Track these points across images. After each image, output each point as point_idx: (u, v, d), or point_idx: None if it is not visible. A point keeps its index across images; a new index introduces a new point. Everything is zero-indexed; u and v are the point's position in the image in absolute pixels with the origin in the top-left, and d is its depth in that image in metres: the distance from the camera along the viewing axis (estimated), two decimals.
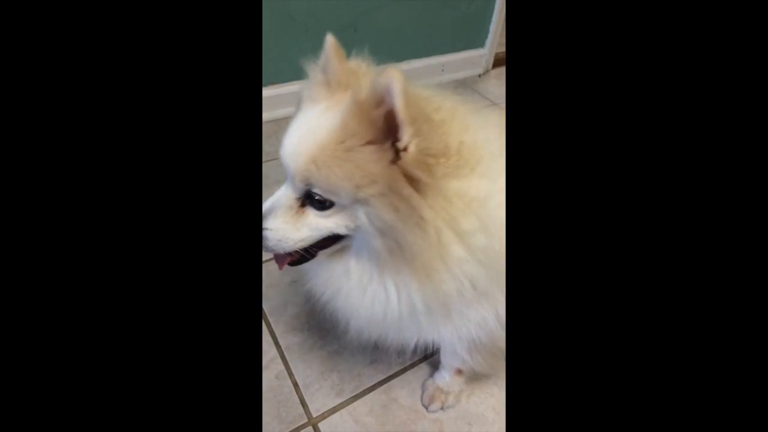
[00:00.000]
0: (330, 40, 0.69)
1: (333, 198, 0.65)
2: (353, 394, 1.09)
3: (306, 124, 0.66)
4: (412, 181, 0.61)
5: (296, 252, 0.73)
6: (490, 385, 1.14)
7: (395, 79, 0.55)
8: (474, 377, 1.11)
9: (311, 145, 0.63)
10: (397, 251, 0.65)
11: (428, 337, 0.88)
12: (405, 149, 0.60)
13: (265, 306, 1.25)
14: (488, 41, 2.34)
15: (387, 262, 0.67)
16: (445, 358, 1.06)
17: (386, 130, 0.60)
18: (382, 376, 1.14)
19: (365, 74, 0.71)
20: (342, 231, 0.69)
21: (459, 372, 1.07)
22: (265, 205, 0.71)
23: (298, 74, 0.75)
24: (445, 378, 1.08)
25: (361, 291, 0.75)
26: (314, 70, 0.72)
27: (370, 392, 1.10)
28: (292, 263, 0.77)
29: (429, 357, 1.18)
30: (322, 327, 1.22)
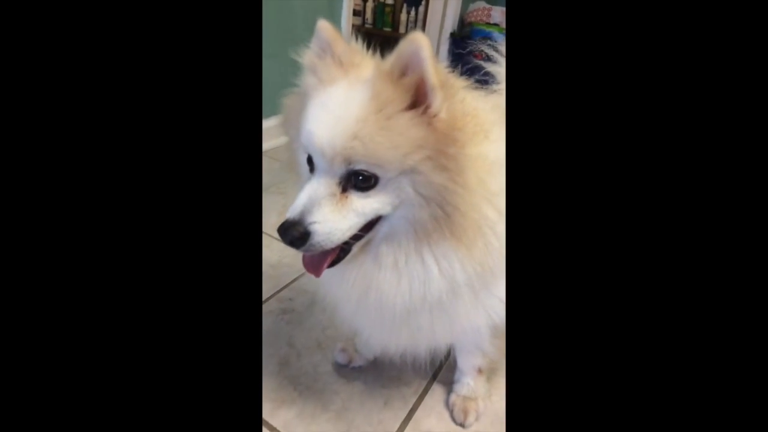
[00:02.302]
0: (325, 24, 0.65)
1: (379, 172, 0.60)
2: None
3: (334, 104, 0.61)
4: (453, 141, 0.60)
5: (337, 247, 0.65)
6: (501, 379, 1.10)
7: (423, 45, 0.55)
8: (490, 373, 1.06)
9: (349, 122, 0.58)
10: (442, 218, 0.62)
11: (456, 330, 0.83)
12: (438, 113, 0.59)
13: None
14: None
15: (429, 233, 0.64)
16: (464, 360, 0.99)
17: (418, 95, 0.59)
18: (403, 414, 0.99)
19: (364, 54, 0.68)
20: (386, 210, 0.63)
21: (480, 371, 1.00)
22: (300, 201, 0.61)
23: None
24: (468, 384, 1.00)
25: (396, 277, 0.68)
26: (309, 57, 0.67)
27: None
28: (332, 263, 0.66)
29: (436, 376, 1.08)
30: (315, 388, 1.01)
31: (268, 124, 1.96)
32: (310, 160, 0.64)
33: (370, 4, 3.96)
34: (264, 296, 1.26)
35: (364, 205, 0.62)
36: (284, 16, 2.08)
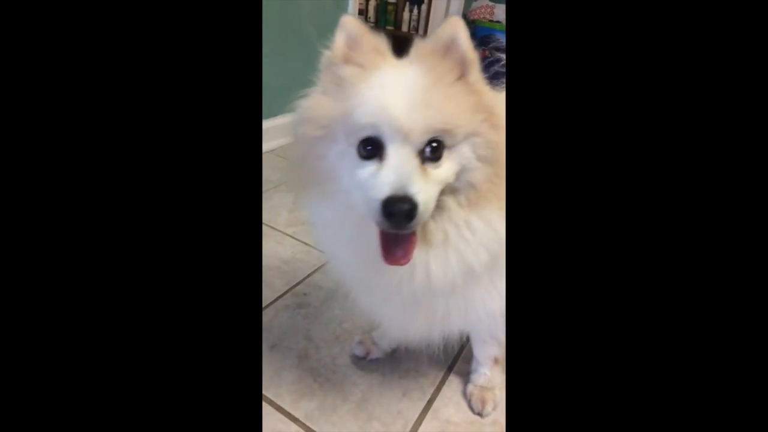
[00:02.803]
0: (350, 18, 0.70)
1: (447, 140, 0.64)
2: None
3: (399, 82, 0.65)
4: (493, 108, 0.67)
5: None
6: None
7: (460, 27, 0.65)
8: (503, 367, 1.07)
9: (421, 94, 0.63)
10: (495, 178, 0.68)
11: (470, 316, 0.84)
12: (477, 84, 0.66)
13: None
14: None
15: (480, 198, 0.69)
16: (481, 350, 1.01)
17: (462, 70, 0.67)
18: (422, 404, 1.00)
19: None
20: (452, 178, 0.66)
21: (496, 361, 1.02)
22: (396, 175, 0.61)
23: None
24: (485, 374, 1.02)
25: (444, 253, 0.70)
26: (339, 49, 0.69)
27: (419, 425, 0.96)
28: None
29: (452, 368, 1.10)
30: (334, 380, 1.03)
31: (275, 122, 1.97)
32: (367, 143, 0.64)
33: (372, 3, 3.97)
34: (280, 292, 1.28)
35: (438, 174, 0.64)
36: (290, 15, 2.09)
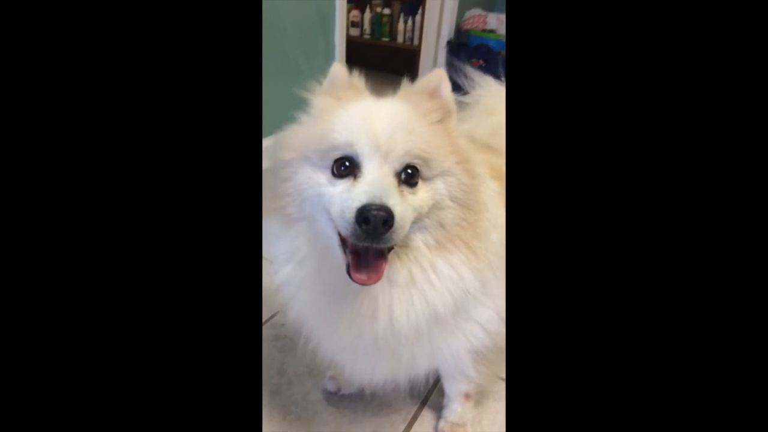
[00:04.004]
0: (340, 67, 0.76)
1: (424, 170, 0.67)
2: None
3: (382, 109, 0.69)
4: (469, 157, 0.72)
5: (389, 250, 0.66)
6: (491, 402, 1.10)
7: (444, 78, 0.73)
8: (478, 400, 1.06)
9: (404, 120, 0.66)
10: (464, 222, 0.69)
11: (436, 358, 0.85)
12: (454, 133, 0.72)
13: None
14: None
15: (449, 239, 0.69)
16: (451, 386, 1.00)
17: (442, 114, 0.71)
18: None
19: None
20: (424, 210, 0.67)
21: (467, 396, 1.01)
22: (374, 185, 0.61)
23: None
24: (456, 410, 1.01)
25: (408, 296, 0.70)
26: (325, 86, 0.76)
27: None
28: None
29: (426, 401, 1.09)
30: (304, 418, 1.03)
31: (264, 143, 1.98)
32: (342, 161, 0.65)
33: (367, 15, 3.98)
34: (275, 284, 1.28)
35: (413, 200, 0.65)
36: (276, 38, 2.11)
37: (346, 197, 0.61)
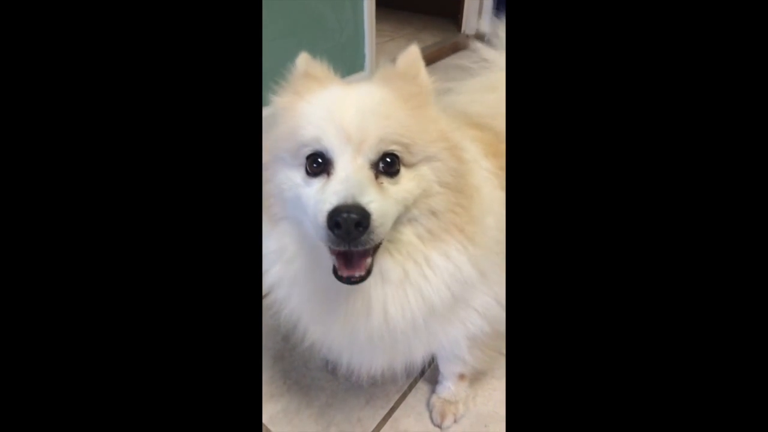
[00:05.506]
0: (303, 57, 0.74)
1: (407, 156, 0.63)
2: None
3: (344, 96, 0.65)
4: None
5: (373, 247, 0.61)
6: (489, 380, 1.10)
7: (418, 57, 0.70)
8: (474, 378, 1.06)
9: (377, 104, 0.63)
10: (457, 207, 0.66)
11: (433, 345, 0.84)
12: (438, 117, 0.69)
13: None
14: (366, 64, 2.42)
15: (443, 228, 0.66)
16: (445, 366, 1.01)
17: (423, 99, 0.68)
18: (383, 412, 1.03)
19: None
20: (410, 200, 0.63)
21: (462, 377, 1.01)
22: (345, 184, 0.57)
23: None
24: (449, 388, 1.02)
25: (402, 293, 0.67)
26: (291, 81, 0.73)
27: None
28: (363, 277, 0.61)
29: (423, 374, 1.11)
30: (303, 383, 1.08)
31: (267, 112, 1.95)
32: (314, 158, 0.62)
33: None
34: (264, 291, 1.33)
35: (396, 192, 0.61)
36: None
37: (319, 198, 0.58)
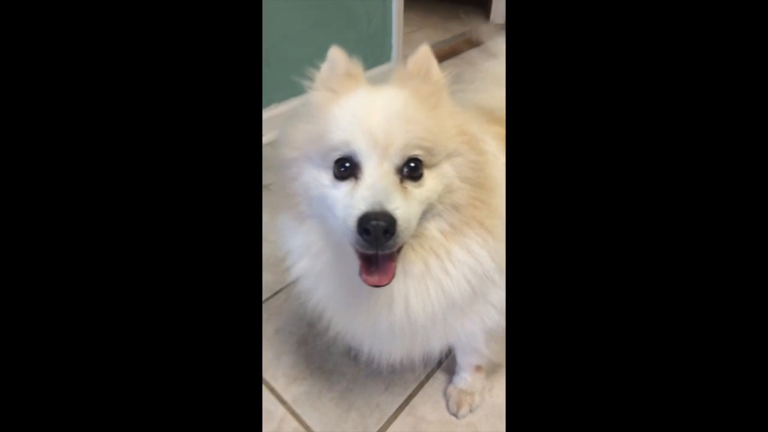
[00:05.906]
0: (337, 51, 0.74)
1: (427, 159, 0.65)
2: (378, 427, 1.02)
3: (377, 101, 0.66)
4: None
5: (399, 250, 0.65)
6: (503, 374, 1.12)
7: (430, 55, 0.71)
8: (491, 371, 1.09)
9: (401, 111, 0.64)
10: (477, 201, 0.68)
11: (450, 337, 0.87)
12: (454, 111, 0.70)
13: None
14: (393, 55, 2.42)
15: (464, 222, 0.69)
16: (462, 358, 1.04)
17: (438, 96, 0.69)
18: (401, 399, 1.08)
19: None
20: (434, 198, 0.66)
21: (478, 368, 1.04)
22: (371, 191, 0.60)
23: None
24: (466, 379, 1.05)
25: (424, 287, 0.70)
26: (322, 75, 0.74)
27: (394, 419, 1.04)
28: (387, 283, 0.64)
29: (441, 364, 1.14)
30: (325, 368, 1.13)
31: (268, 114, 1.91)
32: (342, 162, 0.64)
33: None
34: (290, 280, 1.38)
35: (420, 194, 0.64)
36: None
37: (348, 203, 0.61)
